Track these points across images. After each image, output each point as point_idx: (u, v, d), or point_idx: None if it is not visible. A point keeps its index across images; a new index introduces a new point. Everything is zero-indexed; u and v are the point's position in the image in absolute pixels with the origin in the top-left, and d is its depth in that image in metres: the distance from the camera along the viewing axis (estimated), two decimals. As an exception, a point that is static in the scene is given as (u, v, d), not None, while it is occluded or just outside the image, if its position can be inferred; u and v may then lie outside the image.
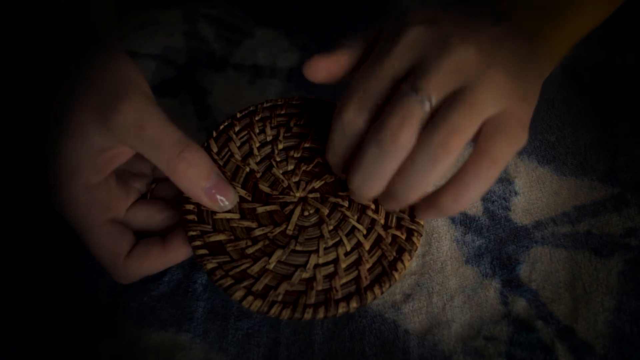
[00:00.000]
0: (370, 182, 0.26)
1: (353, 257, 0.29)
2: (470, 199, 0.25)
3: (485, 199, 0.38)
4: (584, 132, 0.41)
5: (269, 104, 0.35)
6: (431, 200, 0.27)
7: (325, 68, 0.30)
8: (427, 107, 0.24)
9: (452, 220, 0.37)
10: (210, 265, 0.28)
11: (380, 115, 0.25)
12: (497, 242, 0.36)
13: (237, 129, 0.34)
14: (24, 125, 0.41)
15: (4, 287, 0.34)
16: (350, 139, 0.27)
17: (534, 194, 0.38)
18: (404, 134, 0.24)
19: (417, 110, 0.24)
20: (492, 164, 0.24)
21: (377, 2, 0.51)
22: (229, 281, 0.28)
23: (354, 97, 0.26)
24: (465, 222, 0.37)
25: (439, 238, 0.36)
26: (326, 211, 0.31)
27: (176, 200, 0.32)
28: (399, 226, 0.31)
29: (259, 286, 0.28)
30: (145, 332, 0.33)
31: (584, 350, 0.32)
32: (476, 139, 0.26)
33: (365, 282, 0.29)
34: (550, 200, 0.38)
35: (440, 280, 0.35)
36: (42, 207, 0.37)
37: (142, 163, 0.33)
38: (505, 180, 0.39)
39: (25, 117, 0.41)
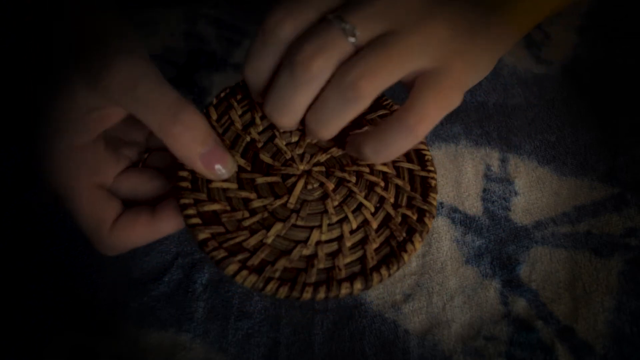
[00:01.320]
0: (282, 110, 0.25)
1: (359, 236, 0.27)
2: (390, 154, 0.24)
3: (485, 199, 0.38)
4: (584, 132, 0.41)
5: None
6: (354, 142, 0.26)
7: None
8: (349, 40, 0.23)
9: (452, 220, 0.37)
10: (202, 236, 0.26)
11: (298, 39, 0.24)
12: (497, 242, 0.36)
13: (239, 97, 0.31)
14: (24, 114, 0.41)
15: (4, 287, 0.34)
16: (270, 50, 0.25)
17: (534, 194, 0.38)
18: (317, 62, 0.23)
19: (337, 41, 0.23)
20: (418, 122, 0.23)
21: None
22: (222, 253, 0.26)
23: (281, 7, 0.24)
24: (465, 222, 0.37)
25: (439, 238, 0.36)
26: (331, 186, 0.29)
27: (169, 169, 0.29)
28: (409, 205, 0.29)
29: (254, 261, 0.26)
30: (145, 332, 0.33)
31: (584, 350, 0.32)
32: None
33: (371, 263, 0.26)
34: (550, 200, 0.38)
35: (440, 281, 0.35)
36: (42, 207, 0.37)
37: (135, 130, 0.31)
38: (505, 180, 0.39)
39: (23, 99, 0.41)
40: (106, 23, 0.27)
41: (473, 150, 0.40)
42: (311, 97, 0.24)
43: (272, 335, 0.33)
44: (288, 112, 0.25)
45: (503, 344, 0.32)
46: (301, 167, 0.30)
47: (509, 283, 0.35)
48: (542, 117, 0.42)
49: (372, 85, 0.22)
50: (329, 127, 0.24)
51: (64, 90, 0.25)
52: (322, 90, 0.24)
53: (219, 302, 0.34)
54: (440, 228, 0.37)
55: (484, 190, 0.38)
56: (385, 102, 0.32)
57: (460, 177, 0.39)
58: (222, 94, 0.31)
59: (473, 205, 0.38)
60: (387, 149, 0.24)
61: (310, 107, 0.25)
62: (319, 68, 0.23)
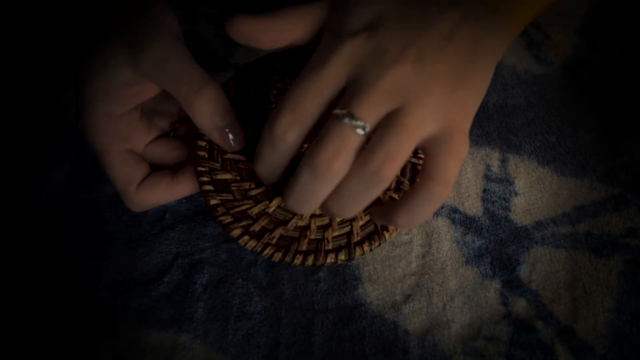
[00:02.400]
0: (304, 204, 0.26)
1: None
2: (424, 219, 0.26)
3: (485, 200, 0.38)
4: (584, 132, 0.41)
5: (293, 51, 0.34)
6: (386, 213, 0.27)
7: (246, 32, 0.28)
8: (361, 133, 0.24)
9: (452, 220, 0.37)
10: (213, 202, 0.30)
11: (314, 138, 0.25)
12: (497, 243, 0.36)
13: (257, 73, 0.34)
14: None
15: (4, 287, 0.34)
16: (280, 153, 0.27)
17: (534, 195, 0.38)
18: (338, 162, 0.24)
19: (351, 138, 0.24)
20: (444, 187, 0.24)
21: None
22: (228, 219, 0.29)
23: (287, 111, 0.25)
24: (465, 222, 0.37)
25: (439, 239, 0.36)
26: None
27: (192, 137, 0.33)
28: (397, 189, 0.31)
29: (256, 227, 0.29)
30: (145, 332, 0.33)
31: (584, 350, 0.32)
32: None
33: (356, 238, 0.30)
34: (550, 201, 0.38)
35: (440, 281, 0.35)
36: (42, 207, 0.37)
37: (169, 103, 0.34)
38: (505, 180, 0.39)
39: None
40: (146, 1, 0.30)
41: (473, 151, 0.40)
42: (332, 189, 0.25)
43: (272, 336, 0.33)
44: (310, 205, 0.26)
45: (503, 344, 0.32)
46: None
47: (509, 283, 0.35)
48: (542, 117, 0.42)
49: (393, 169, 0.24)
50: (353, 211, 0.26)
51: (107, 63, 0.28)
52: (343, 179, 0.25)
53: (219, 302, 0.34)
54: (441, 228, 0.37)
55: (484, 191, 0.38)
56: None
57: (460, 177, 0.39)
58: (242, 69, 0.34)
59: (473, 206, 0.38)
60: (419, 217, 0.25)
61: (332, 195, 0.26)
62: (340, 167, 0.24)
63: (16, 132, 0.40)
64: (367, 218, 0.30)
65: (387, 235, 0.30)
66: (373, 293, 0.34)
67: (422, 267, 0.35)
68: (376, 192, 0.25)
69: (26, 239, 0.36)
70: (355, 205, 0.25)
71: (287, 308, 0.34)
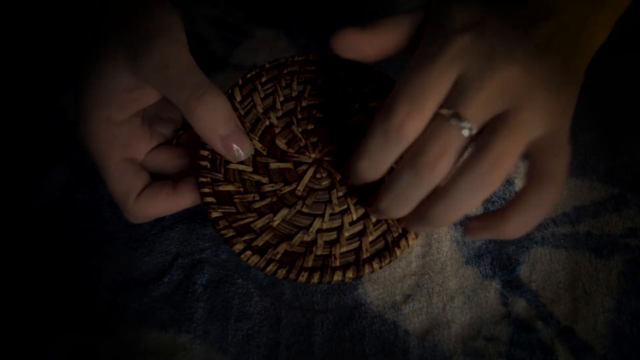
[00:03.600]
0: (400, 206, 0.26)
1: (358, 228, 0.29)
2: (535, 224, 0.25)
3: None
4: (584, 132, 0.41)
5: (300, 58, 0.34)
6: (490, 225, 0.26)
7: (354, 45, 0.28)
8: (467, 135, 0.24)
9: (452, 220, 0.37)
10: (215, 214, 0.28)
11: (418, 139, 0.25)
12: (497, 243, 0.36)
13: (263, 79, 0.33)
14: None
15: (4, 288, 0.34)
16: (393, 147, 0.25)
17: (534, 195, 0.38)
18: (442, 164, 0.24)
19: (457, 139, 0.24)
20: (556, 186, 0.24)
21: (378, 3, 0.51)
22: (230, 232, 0.28)
23: (405, 102, 0.24)
24: (465, 222, 0.37)
25: (439, 239, 0.36)
26: (339, 177, 0.30)
27: (195, 146, 0.32)
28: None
29: (259, 242, 0.28)
30: (145, 332, 0.33)
31: (584, 350, 0.32)
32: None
33: (365, 254, 0.28)
34: (550, 201, 0.38)
35: (440, 281, 0.35)
36: (42, 207, 0.37)
37: (172, 109, 0.34)
38: (505, 180, 0.39)
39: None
40: (150, 4, 0.29)
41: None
42: (429, 191, 0.25)
43: (272, 336, 0.33)
44: (407, 207, 0.26)
45: (503, 344, 0.32)
46: (313, 156, 0.31)
47: (509, 283, 0.35)
48: (542, 117, 0.41)
49: (508, 166, 0.23)
50: (459, 213, 0.25)
51: (106, 67, 0.28)
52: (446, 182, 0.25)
53: (219, 302, 0.34)
54: (441, 229, 0.37)
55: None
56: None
57: (460, 177, 0.39)
58: (248, 75, 0.33)
59: (473, 206, 0.38)
60: (532, 222, 0.25)
61: (432, 198, 0.25)
62: (443, 169, 0.24)
63: (16, 132, 0.40)
64: (377, 233, 0.29)
65: (398, 252, 0.28)
66: (373, 293, 0.34)
67: (422, 267, 0.35)
68: (483, 195, 0.24)
69: (26, 239, 0.36)
70: (461, 208, 0.24)
71: (287, 308, 0.34)
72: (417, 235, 0.29)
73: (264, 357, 0.32)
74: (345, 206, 0.30)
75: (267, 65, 0.33)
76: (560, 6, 0.26)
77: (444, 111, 0.24)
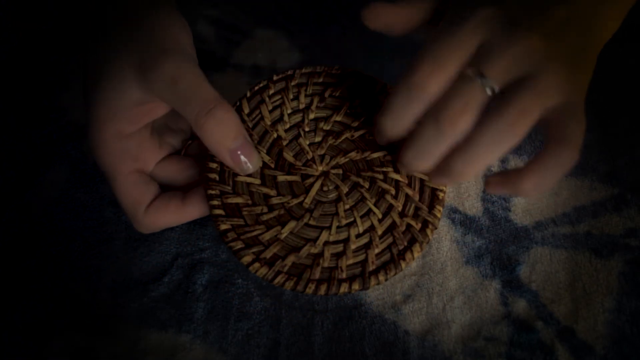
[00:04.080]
0: (423, 160, 0.27)
1: (364, 240, 0.29)
2: (551, 185, 0.26)
3: (485, 200, 0.38)
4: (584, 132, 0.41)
5: (307, 70, 0.35)
6: (508, 181, 0.27)
7: (384, 18, 0.30)
8: (489, 93, 0.25)
9: (452, 220, 0.37)
10: (223, 227, 0.29)
11: (441, 96, 0.26)
12: (497, 243, 0.36)
13: (271, 92, 0.34)
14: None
15: (4, 288, 0.34)
16: (415, 103, 0.26)
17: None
18: (464, 119, 0.25)
19: (479, 96, 0.25)
20: (572, 148, 0.25)
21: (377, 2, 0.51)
22: (239, 244, 0.29)
23: (428, 61, 0.26)
24: (465, 222, 0.37)
25: (439, 239, 0.36)
26: (345, 189, 0.31)
27: (204, 157, 0.32)
28: (415, 216, 0.30)
29: (267, 254, 0.29)
30: (145, 332, 0.33)
31: (584, 350, 0.32)
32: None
33: (371, 267, 0.28)
34: (550, 201, 0.38)
35: (440, 281, 0.35)
36: (42, 207, 0.37)
37: (181, 120, 0.34)
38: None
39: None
40: (158, 14, 0.30)
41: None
42: (452, 146, 0.26)
43: (272, 336, 0.33)
44: (429, 161, 0.27)
45: (503, 344, 0.32)
46: (320, 168, 0.32)
47: (509, 284, 0.35)
48: (542, 118, 0.42)
49: (527, 123, 0.24)
50: (480, 166, 0.26)
51: (117, 82, 0.28)
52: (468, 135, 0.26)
53: (219, 302, 0.34)
54: (441, 229, 0.37)
55: (484, 191, 0.38)
56: None
57: (461, 177, 0.39)
58: (256, 88, 0.33)
59: (473, 206, 0.38)
60: (547, 182, 0.26)
61: (456, 152, 0.26)
62: (465, 124, 0.25)
63: (16, 132, 0.40)
64: (383, 246, 0.29)
65: (403, 264, 0.29)
66: (373, 293, 0.34)
67: (422, 267, 0.35)
68: (502, 149, 0.25)
69: (26, 239, 0.36)
70: (483, 161, 0.25)
71: (287, 308, 0.34)
72: (422, 248, 0.29)
73: (264, 357, 0.32)
74: (352, 219, 0.30)
75: (274, 78, 0.34)
76: None
77: (468, 70, 0.25)
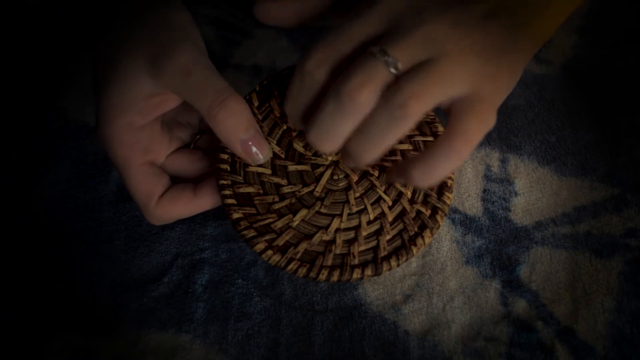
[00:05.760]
0: (326, 138, 0.26)
1: (375, 227, 0.30)
2: (439, 176, 0.25)
3: (485, 200, 0.38)
4: (584, 133, 0.41)
5: None
6: (402, 168, 0.27)
7: (273, 12, 0.29)
8: (392, 71, 0.24)
9: (452, 220, 0.37)
10: (236, 215, 0.29)
11: (343, 73, 0.25)
12: (497, 243, 0.36)
13: (280, 85, 0.34)
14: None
15: (4, 288, 0.34)
16: (308, 91, 0.26)
17: (534, 195, 0.38)
18: (364, 93, 0.24)
19: (381, 72, 0.24)
20: (464, 145, 0.24)
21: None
22: (251, 233, 0.29)
23: (319, 50, 0.26)
24: (465, 222, 0.37)
25: (439, 239, 0.36)
26: (355, 178, 0.32)
27: (214, 150, 0.33)
28: (425, 202, 0.31)
29: (279, 242, 0.29)
30: (145, 332, 0.33)
31: (584, 351, 0.32)
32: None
33: (383, 253, 0.29)
34: (550, 201, 0.38)
35: (440, 281, 0.35)
36: (42, 207, 0.37)
37: (190, 114, 0.34)
38: (505, 180, 0.39)
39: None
40: (168, 8, 0.30)
41: (473, 151, 0.40)
42: (355, 125, 0.25)
43: (272, 336, 0.33)
44: (332, 139, 0.26)
45: (503, 344, 0.32)
46: (330, 158, 0.32)
47: (509, 284, 0.35)
48: (542, 118, 0.42)
49: (419, 105, 0.24)
50: (375, 149, 0.25)
51: (128, 74, 0.28)
52: (367, 117, 0.25)
53: (219, 302, 0.34)
54: (440, 228, 0.37)
55: (484, 191, 0.38)
56: (430, 118, 0.34)
57: (460, 177, 0.39)
58: (265, 82, 0.34)
59: (473, 206, 0.38)
60: (434, 172, 0.25)
61: (354, 134, 0.26)
62: (365, 98, 0.24)
63: (16, 132, 0.40)
64: (394, 232, 0.30)
65: (414, 249, 0.29)
66: (373, 293, 0.34)
67: (422, 267, 0.35)
68: (399, 130, 0.24)
69: (26, 239, 0.36)
70: (377, 144, 0.25)
71: (287, 308, 0.34)
72: (432, 234, 0.30)
73: (264, 357, 0.32)
74: (363, 206, 0.31)
75: (283, 72, 0.34)
76: None
77: (371, 48, 0.24)
